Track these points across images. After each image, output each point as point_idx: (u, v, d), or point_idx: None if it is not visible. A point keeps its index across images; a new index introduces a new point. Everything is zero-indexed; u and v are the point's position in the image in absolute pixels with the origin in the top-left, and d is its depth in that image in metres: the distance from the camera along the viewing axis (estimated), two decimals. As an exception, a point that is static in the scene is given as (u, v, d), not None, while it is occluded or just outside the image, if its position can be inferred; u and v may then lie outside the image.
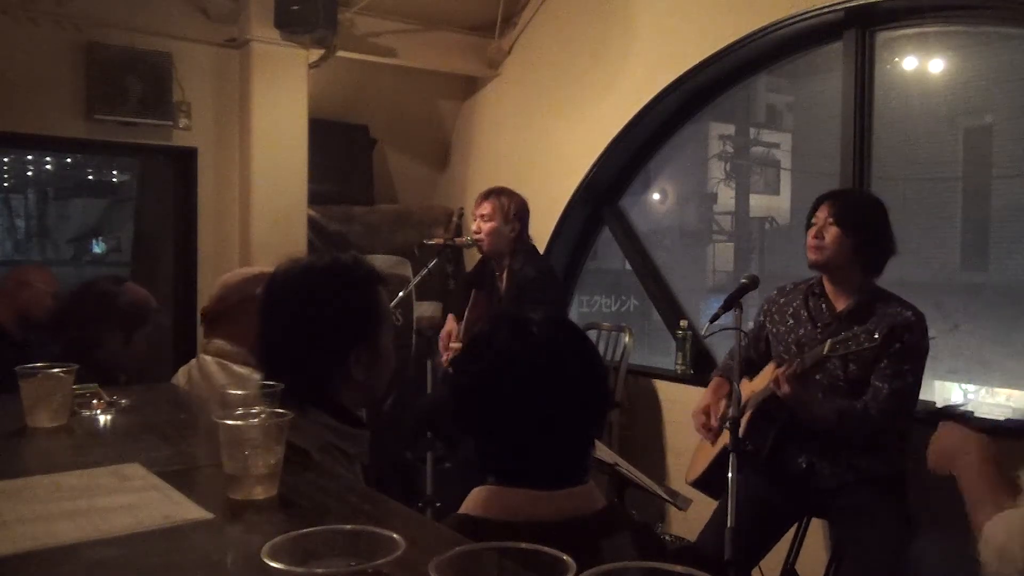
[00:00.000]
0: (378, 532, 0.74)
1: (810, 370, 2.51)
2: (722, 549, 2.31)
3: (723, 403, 2.77)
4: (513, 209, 3.46)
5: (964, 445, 1.59)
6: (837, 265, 2.59)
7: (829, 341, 2.42)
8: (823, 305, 2.66)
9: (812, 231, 2.61)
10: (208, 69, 4.18)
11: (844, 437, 2.56)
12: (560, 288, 3.58)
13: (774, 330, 2.78)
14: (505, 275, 3.50)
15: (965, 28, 3.18)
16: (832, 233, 2.56)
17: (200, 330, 4.11)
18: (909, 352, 2.50)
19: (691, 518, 2.77)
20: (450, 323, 3.66)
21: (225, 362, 2.18)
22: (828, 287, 2.66)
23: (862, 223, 2.58)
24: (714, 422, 2.75)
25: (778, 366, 2.64)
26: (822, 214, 2.60)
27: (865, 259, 2.59)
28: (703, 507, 2.79)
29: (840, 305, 2.62)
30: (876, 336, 2.34)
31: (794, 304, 2.73)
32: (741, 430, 2.47)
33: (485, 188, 3.57)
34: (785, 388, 2.47)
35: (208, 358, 2.21)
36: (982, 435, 1.60)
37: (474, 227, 3.49)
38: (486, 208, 3.45)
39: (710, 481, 2.79)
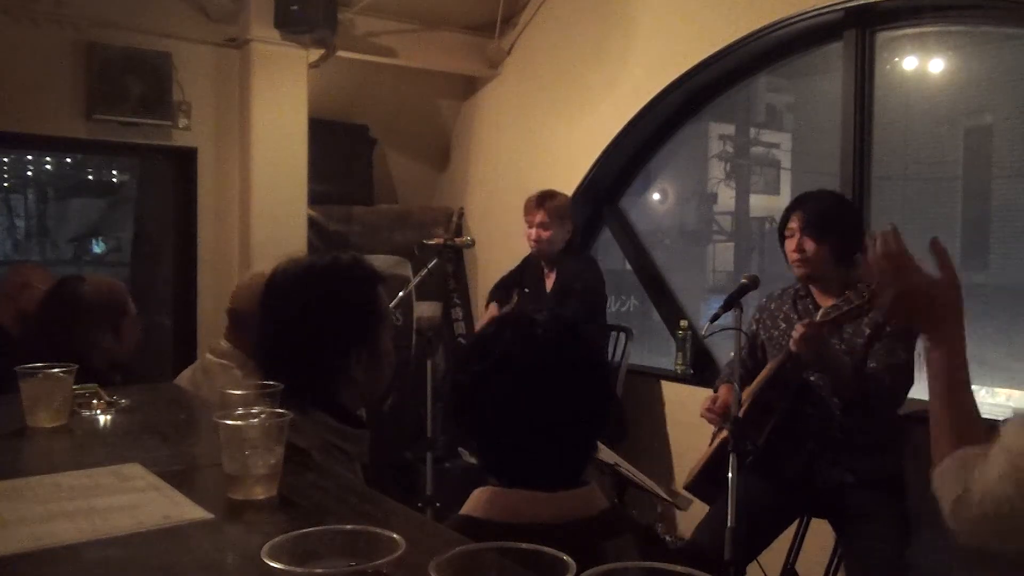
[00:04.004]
0: (378, 532, 0.73)
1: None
2: (717, 547, 2.33)
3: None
4: (566, 209, 3.53)
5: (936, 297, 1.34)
6: (822, 274, 2.64)
7: (822, 308, 2.46)
8: (810, 306, 2.69)
9: (791, 244, 2.64)
10: (208, 69, 4.18)
11: (856, 427, 2.57)
12: (604, 290, 3.62)
13: (767, 335, 2.80)
14: (554, 275, 3.51)
15: (965, 28, 3.18)
16: (810, 246, 2.60)
17: (200, 330, 4.16)
18: (899, 334, 2.53)
19: (691, 518, 2.77)
20: (492, 310, 3.68)
21: (228, 364, 2.18)
22: (814, 288, 2.71)
23: (834, 227, 2.61)
24: (717, 407, 2.76)
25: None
26: (795, 224, 2.64)
27: (845, 260, 2.63)
28: (703, 507, 2.79)
29: (826, 303, 2.65)
30: (865, 294, 2.38)
31: (784, 308, 2.77)
32: (741, 411, 2.48)
33: (535, 192, 3.58)
34: (805, 330, 2.45)
35: (212, 359, 2.21)
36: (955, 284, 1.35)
37: (531, 234, 3.52)
38: (542, 216, 3.48)
39: (701, 486, 2.79)
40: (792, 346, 2.48)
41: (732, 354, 2.91)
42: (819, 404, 2.63)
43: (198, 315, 4.20)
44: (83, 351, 2.19)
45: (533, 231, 3.51)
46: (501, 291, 3.86)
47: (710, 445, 2.83)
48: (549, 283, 3.57)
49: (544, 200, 3.51)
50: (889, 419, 2.65)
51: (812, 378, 2.62)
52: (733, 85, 3.92)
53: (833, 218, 2.62)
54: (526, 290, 3.68)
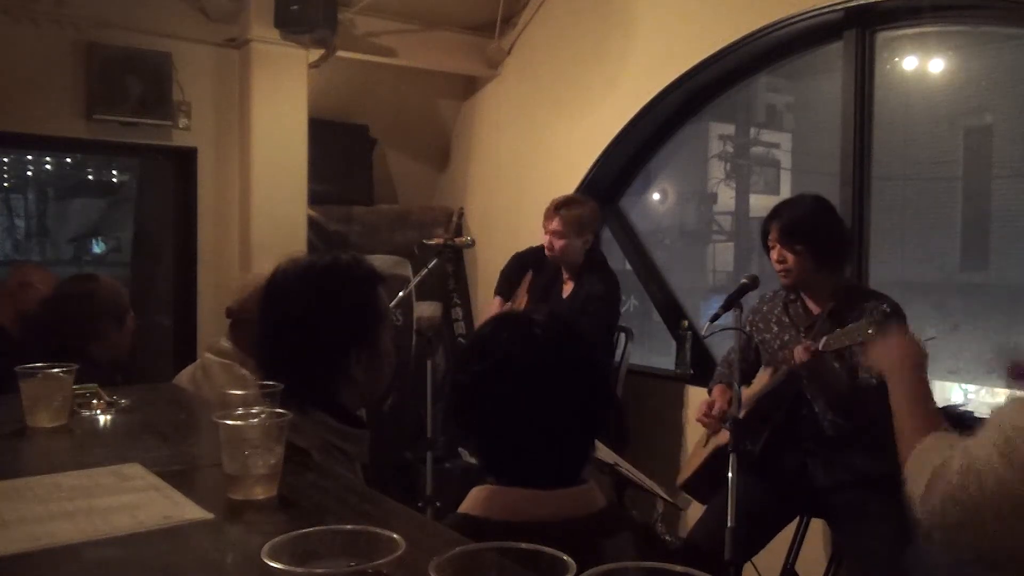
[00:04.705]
0: (378, 532, 0.74)
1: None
2: (714, 546, 2.33)
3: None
4: (586, 220, 3.40)
5: (902, 354, 1.64)
6: (806, 281, 2.64)
7: (825, 338, 2.43)
8: (801, 310, 2.70)
9: (773, 255, 2.65)
10: (208, 69, 4.18)
11: (850, 427, 2.56)
12: (618, 307, 3.55)
13: (759, 338, 2.81)
14: (572, 285, 3.47)
15: (965, 28, 3.17)
16: (789, 258, 2.60)
17: (200, 330, 4.16)
18: None
19: (691, 518, 2.77)
20: (496, 306, 3.61)
21: (228, 363, 2.18)
22: (803, 292, 2.70)
23: (811, 236, 2.59)
24: (715, 413, 2.76)
25: (775, 372, 2.65)
26: (774, 236, 2.64)
27: (828, 264, 2.62)
28: (703, 507, 2.79)
29: (817, 308, 2.66)
30: (871, 332, 2.37)
31: (775, 311, 2.77)
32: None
33: (556, 198, 3.47)
34: (803, 358, 2.45)
35: (211, 358, 2.21)
36: (918, 345, 1.64)
37: (545, 241, 3.43)
38: (556, 225, 3.38)
39: (697, 485, 2.80)
40: (794, 365, 2.46)
41: (726, 353, 2.91)
42: (811, 406, 2.63)
43: (198, 315, 4.20)
44: (91, 343, 2.27)
45: (547, 238, 3.42)
46: (515, 269, 3.76)
47: (703, 446, 2.83)
48: (566, 290, 3.51)
49: (560, 208, 3.39)
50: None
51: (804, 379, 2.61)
52: (733, 85, 3.92)
53: (809, 226, 2.60)
54: (536, 278, 3.63)
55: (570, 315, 3.21)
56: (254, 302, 2.13)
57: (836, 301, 2.61)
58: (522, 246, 3.85)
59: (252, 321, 2.12)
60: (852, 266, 3.14)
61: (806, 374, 2.50)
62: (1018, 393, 1.34)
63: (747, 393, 2.72)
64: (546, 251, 3.48)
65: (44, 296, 3.27)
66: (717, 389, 2.85)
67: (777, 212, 2.69)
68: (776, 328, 2.74)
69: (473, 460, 1.34)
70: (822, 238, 2.61)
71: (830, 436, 2.60)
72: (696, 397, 2.94)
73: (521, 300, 3.63)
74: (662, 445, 3.94)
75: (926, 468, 1.30)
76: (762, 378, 2.73)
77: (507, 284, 3.73)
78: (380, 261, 4.27)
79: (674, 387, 3.95)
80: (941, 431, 1.41)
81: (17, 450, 1.32)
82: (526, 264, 3.72)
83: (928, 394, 1.56)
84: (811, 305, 2.68)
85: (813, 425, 2.62)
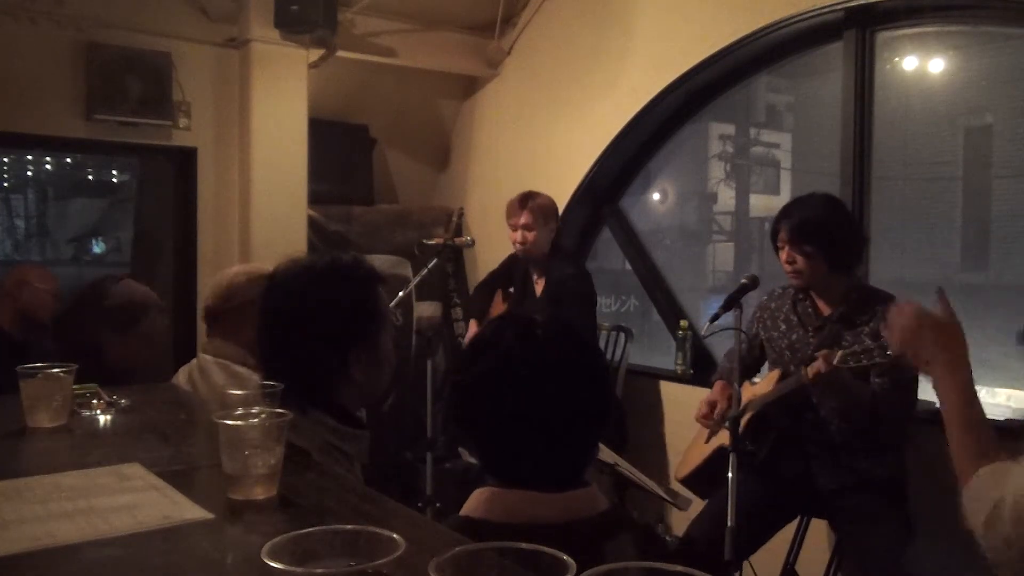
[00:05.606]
0: (378, 532, 0.74)
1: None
2: (712, 543, 2.33)
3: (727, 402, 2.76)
4: (549, 208, 3.48)
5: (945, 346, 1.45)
6: (817, 281, 2.61)
7: (840, 352, 2.38)
8: (810, 310, 2.67)
9: (783, 255, 2.61)
10: (208, 69, 4.18)
11: (855, 431, 2.55)
12: (594, 294, 3.55)
13: (766, 335, 2.78)
14: (543, 280, 3.48)
15: (965, 28, 3.18)
16: (800, 259, 2.56)
17: (200, 330, 4.15)
18: None
19: (691, 518, 2.77)
20: (473, 328, 3.66)
21: (225, 362, 2.18)
22: (813, 292, 2.67)
23: (822, 238, 2.55)
24: (716, 415, 2.74)
25: (783, 374, 2.64)
26: (783, 237, 2.60)
27: (839, 266, 2.59)
28: (702, 503, 2.79)
29: (827, 308, 2.63)
30: (889, 353, 2.34)
31: (784, 309, 2.74)
32: (740, 430, 2.46)
33: (515, 197, 3.50)
34: (823, 371, 2.40)
35: (208, 358, 2.21)
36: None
37: (517, 237, 3.46)
38: (525, 218, 3.42)
39: (699, 480, 2.79)
40: (809, 377, 2.42)
41: (730, 348, 2.90)
42: (817, 411, 2.62)
43: (198, 315, 4.19)
44: (91, 346, 2.24)
45: (518, 234, 3.45)
46: (483, 292, 3.82)
47: (706, 441, 2.83)
48: (539, 288, 3.53)
49: (526, 200, 3.45)
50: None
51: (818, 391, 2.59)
52: (733, 85, 3.92)
53: (821, 227, 2.56)
54: (510, 290, 3.66)
55: (551, 308, 3.26)
56: (236, 293, 2.15)
57: (846, 303, 2.58)
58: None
59: (230, 310, 2.14)
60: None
61: (823, 386, 2.45)
62: None
63: (752, 392, 2.71)
64: (517, 248, 3.49)
65: (54, 292, 3.28)
66: (718, 386, 2.84)
67: (787, 212, 2.63)
68: (784, 327, 2.72)
69: (473, 460, 1.34)
70: (833, 240, 2.56)
71: (834, 441, 2.59)
72: (696, 397, 2.94)
73: (498, 310, 3.65)
74: (662, 445, 3.94)
75: (983, 506, 1.26)
76: (770, 379, 2.71)
77: (478, 309, 3.76)
78: (380, 261, 4.27)
79: (674, 387, 3.95)
80: (996, 461, 1.32)
81: (17, 450, 1.32)
82: (493, 286, 3.76)
83: (980, 416, 1.41)
84: (821, 305, 2.64)
85: (817, 429, 2.61)
